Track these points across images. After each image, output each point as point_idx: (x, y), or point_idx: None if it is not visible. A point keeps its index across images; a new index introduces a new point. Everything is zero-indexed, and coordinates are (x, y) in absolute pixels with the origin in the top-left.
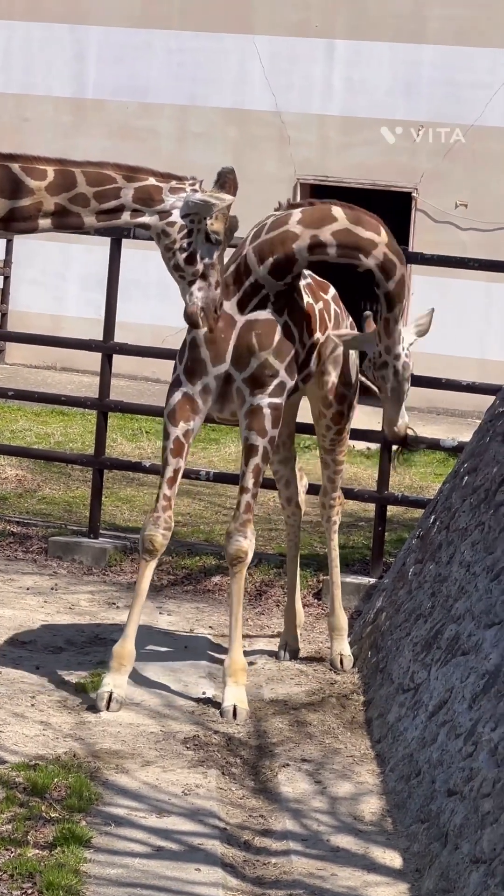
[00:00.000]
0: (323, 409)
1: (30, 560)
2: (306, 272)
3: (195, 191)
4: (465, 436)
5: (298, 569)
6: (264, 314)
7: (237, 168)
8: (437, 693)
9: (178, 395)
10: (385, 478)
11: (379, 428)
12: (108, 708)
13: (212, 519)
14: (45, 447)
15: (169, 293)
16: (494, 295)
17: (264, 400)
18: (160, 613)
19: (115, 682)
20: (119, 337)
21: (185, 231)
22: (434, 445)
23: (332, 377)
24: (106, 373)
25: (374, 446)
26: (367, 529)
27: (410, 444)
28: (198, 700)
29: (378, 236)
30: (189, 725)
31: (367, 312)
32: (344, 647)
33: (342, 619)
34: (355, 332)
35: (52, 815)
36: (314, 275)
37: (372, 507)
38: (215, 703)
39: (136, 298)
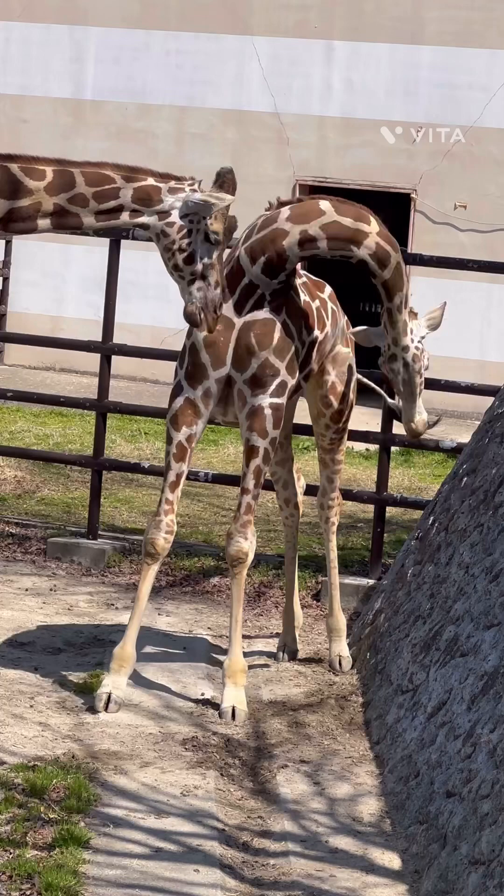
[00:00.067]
0: (322, 408)
1: (28, 561)
2: (302, 272)
3: (194, 191)
4: (465, 437)
5: (297, 570)
6: (262, 314)
7: (236, 169)
8: (435, 694)
9: (179, 400)
10: (384, 479)
11: (378, 429)
12: (106, 709)
13: (211, 520)
14: (44, 448)
15: (168, 294)
16: (494, 296)
17: (265, 400)
18: (159, 614)
19: (114, 684)
20: (118, 338)
21: (185, 231)
22: (433, 446)
23: (332, 376)
24: (105, 374)
25: (373, 447)
26: (365, 530)
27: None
28: (196, 701)
29: (368, 226)
30: (188, 726)
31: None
32: (343, 649)
33: (341, 621)
34: (365, 327)
35: (51, 816)
36: (310, 275)
37: (371, 508)
38: (214, 705)
39: (136, 300)
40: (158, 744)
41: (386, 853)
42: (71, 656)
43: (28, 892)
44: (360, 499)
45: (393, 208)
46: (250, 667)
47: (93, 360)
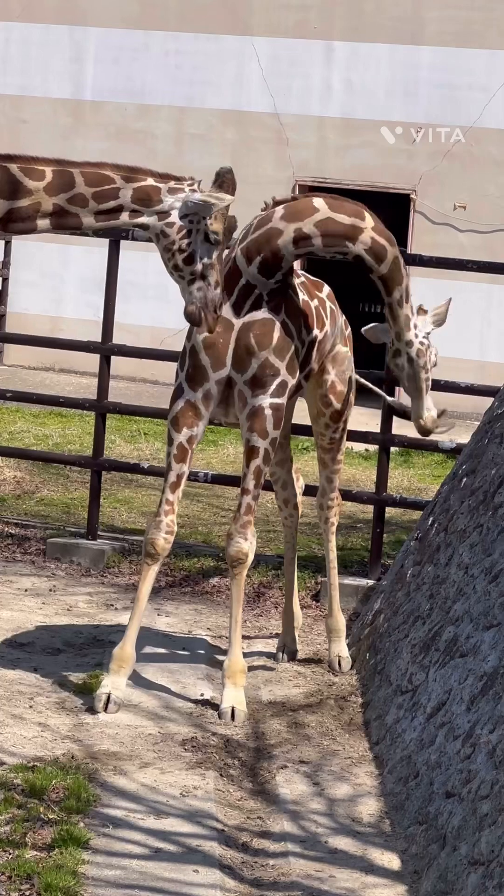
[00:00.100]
0: (322, 407)
1: (28, 562)
2: (300, 272)
3: (194, 191)
4: (464, 438)
5: (296, 570)
6: (261, 314)
7: (235, 169)
8: (435, 695)
9: (180, 402)
10: (383, 479)
11: (377, 429)
12: (106, 709)
13: (210, 520)
14: (44, 449)
15: (168, 295)
16: (493, 297)
17: (266, 400)
18: (158, 615)
19: (113, 684)
20: (117, 338)
21: (184, 231)
22: (433, 447)
23: (331, 375)
24: (104, 374)
25: (373, 448)
26: (365, 531)
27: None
28: (196, 702)
29: (362, 221)
30: (187, 727)
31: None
32: (342, 649)
33: (340, 621)
34: (375, 324)
35: (51, 817)
36: (307, 274)
37: (370, 508)
38: (213, 705)
39: (135, 300)
40: (158, 744)
41: (385, 854)
42: (70, 657)
43: (27, 893)
44: (360, 499)
45: (392, 209)
46: (250, 667)
47: (92, 361)
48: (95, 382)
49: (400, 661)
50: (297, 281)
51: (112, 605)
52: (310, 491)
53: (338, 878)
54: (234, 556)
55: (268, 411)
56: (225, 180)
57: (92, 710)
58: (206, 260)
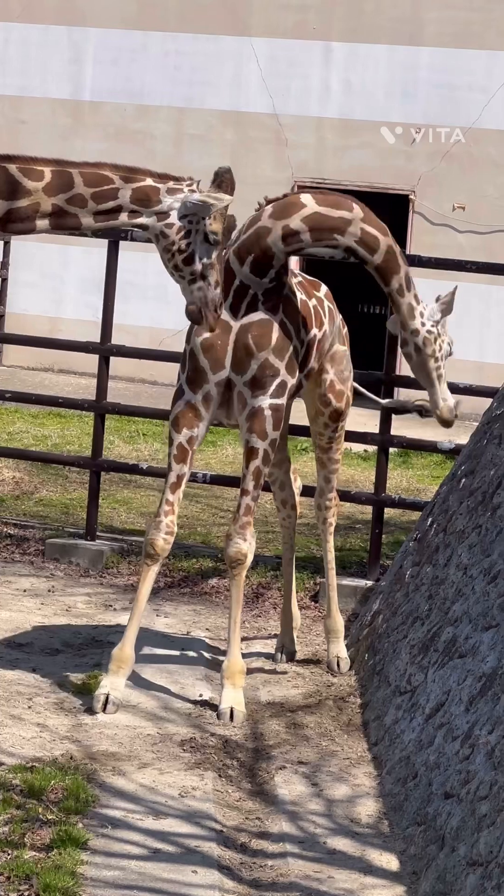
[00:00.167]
0: (321, 406)
1: (27, 562)
2: (297, 271)
3: (193, 191)
4: (463, 438)
5: (294, 571)
6: (259, 315)
7: (234, 170)
8: (434, 696)
9: (181, 404)
10: (382, 480)
11: (376, 430)
12: (104, 710)
13: (209, 521)
14: (43, 449)
15: (167, 295)
16: (492, 297)
17: (265, 401)
18: (157, 615)
19: (112, 685)
20: (117, 339)
21: (184, 232)
22: (431, 447)
23: (330, 375)
24: (103, 375)
25: (372, 448)
26: (364, 532)
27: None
28: (195, 702)
29: (350, 213)
30: (186, 728)
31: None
32: (341, 650)
33: (339, 622)
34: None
35: (49, 817)
36: (305, 274)
37: (369, 509)
38: (212, 706)
39: (134, 301)
40: (157, 745)
41: (384, 854)
42: (69, 657)
43: (26, 893)
44: (359, 500)
45: (391, 210)
46: (248, 668)
47: (91, 361)
48: (94, 383)
49: (399, 662)
50: (294, 281)
51: (111, 606)
52: (308, 491)
53: (336, 878)
54: (234, 556)
55: (267, 412)
56: (224, 180)
57: (91, 710)
58: (205, 260)
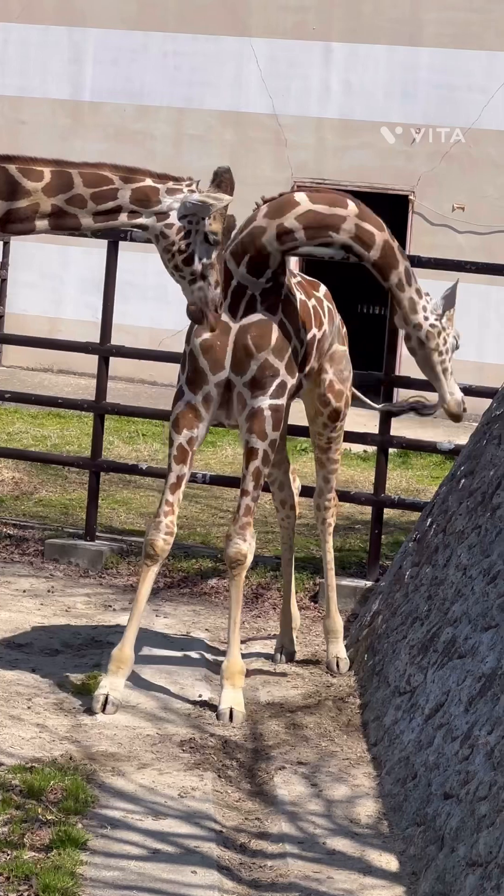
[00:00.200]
0: (320, 406)
1: (26, 562)
2: (296, 272)
3: (192, 191)
4: (462, 439)
5: (293, 571)
6: (258, 316)
7: (234, 170)
8: (433, 696)
9: (181, 405)
10: (381, 480)
11: (376, 430)
12: (104, 710)
13: (208, 521)
14: (42, 450)
15: (167, 296)
16: (491, 298)
17: (265, 402)
18: (157, 616)
19: (111, 685)
20: (116, 339)
21: (184, 232)
22: (431, 448)
23: (330, 375)
24: (103, 375)
25: (371, 449)
26: (363, 532)
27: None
28: (194, 703)
29: (345, 209)
30: (185, 728)
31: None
32: (340, 650)
33: (338, 622)
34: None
35: (49, 818)
36: (304, 275)
37: (368, 509)
38: (212, 706)
39: (134, 301)
40: (156, 745)
41: (383, 855)
42: (68, 658)
43: (25, 894)
44: (358, 500)
45: (391, 210)
46: (248, 669)
47: (91, 362)
48: (94, 383)
49: (398, 663)
50: (293, 281)
51: (110, 606)
52: (306, 492)
53: (336, 879)
54: (233, 557)
55: (267, 412)
56: (223, 180)
57: (90, 711)
58: (205, 260)
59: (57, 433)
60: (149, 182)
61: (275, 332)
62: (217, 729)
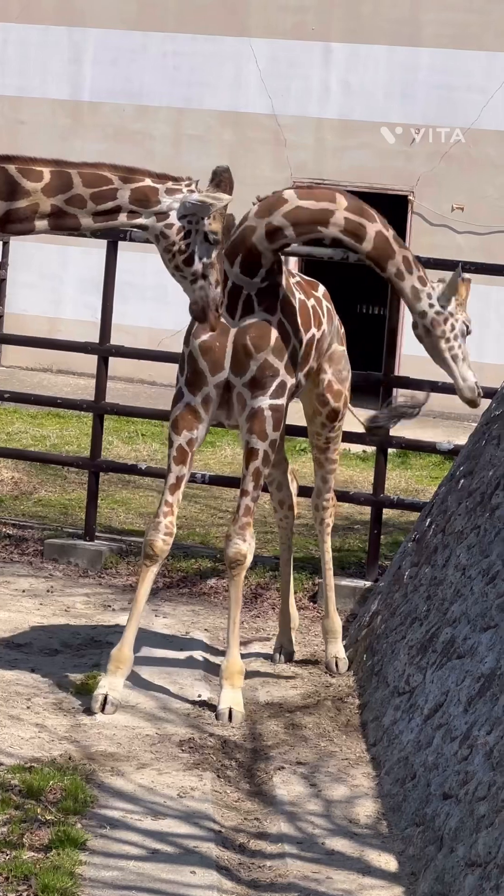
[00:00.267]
0: (319, 406)
1: (25, 562)
2: (295, 272)
3: (192, 191)
4: (461, 439)
5: (292, 571)
6: (256, 316)
7: (233, 170)
8: (432, 696)
9: (180, 406)
10: (381, 481)
11: None
12: (103, 710)
13: (208, 521)
14: (41, 450)
15: (166, 296)
16: (491, 298)
17: (265, 402)
18: (156, 616)
19: (110, 685)
20: (115, 339)
21: (184, 232)
22: (430, 448)
23: (328, 375)
24: (102, 375)
25: (370, 449)
26: (362, 532)
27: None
28: (193, 703)
29: (333, 204)
30: (184, 728)
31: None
32: (339, 650)
33: (337, 622)
34: None
35: (48, 818)
36: (303, 275)
37: (367, 510)
38: (211, 706)
39: (133, 301)
40: (155, 745)
41: (382, 855)
42: (68, 658)
43: (25, 894)
44: (357, 501)
45: (390, 210)
46: (247, 669)
47: (90, 362)
48: (93, 383)
49: (397, 663)
50: (292, 281)
51: (109, 606)
52: (304, 492)
53: (335, 879)
54: (233, 557)
55: (267, 412)
56: (222, 179)
57: (89, 710)
58: (205, 259)
59: (56, 433)
60: (148, 182)
61: (274, 333)
62: (216, 729)
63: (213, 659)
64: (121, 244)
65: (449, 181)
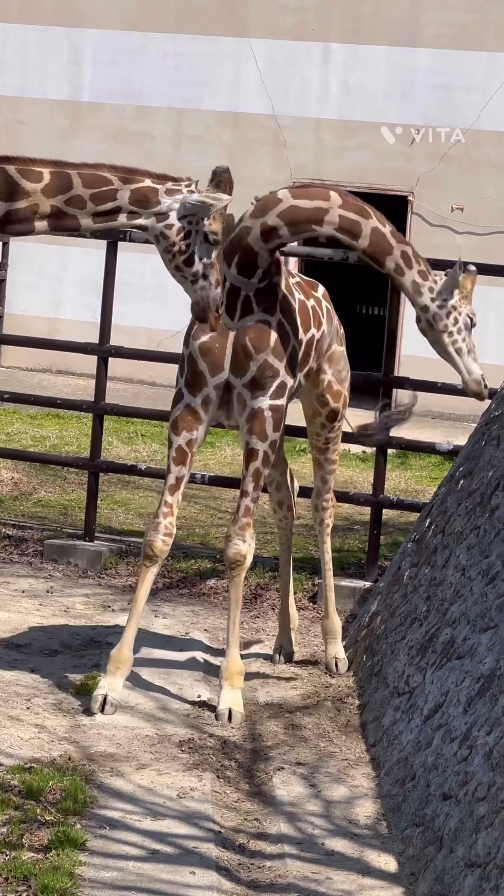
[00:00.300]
0: (318, 407)
1: (25, 563)
2: (294, 272)
3: (191, 192)
4: (461, 439)
5: (292, 572)
6: (256, 317)
7: (233, 171)
8: (432, 697)
9: (180, 407)
10: (380, 481)
11: None
12: (102, 711)
13: (207, 522)
14: (41, 450)
15: (166, 296)
16: (490, 299)
17: (265, 402)
18: (156, 616)
19: (110, 685)
20: (115, 340)
21: (184, 233)
22: (430, 449)
23: (328, 375)
24: (102, 376)
25: (370, 450)
26: (362, 533)
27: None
28: (193, 703)
29: (327, 202)
30: (184, 728)
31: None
32: (339, 651)
33: (336, 623)
34: None
35: (48, 818)
36: (303, 275)
37: (367, 510)
38: (211, 707)
39: (133, 301)
40: (155, 746)
41: (382, 856)
42: (67, 658)
43: (24, 894)
44: (357, 501)
45: (390, 211)
46: (247, 669)
47: (90, 362)
48: (93, 384)
49: (397, 663)
50: (292, 281)
51: (109, 607)
52: (303, 492)
53: (334, 879)
54: (233, 558)
55: (267, 413)
56: (222, 179)
57: (89, 711)
58: (205, 260)
59: (56, 434)
60: (148, 183)
61: (274, 334)
62: (216, 729)
63: (212, 659)
64: (120, 245)
65: (449, 182)
